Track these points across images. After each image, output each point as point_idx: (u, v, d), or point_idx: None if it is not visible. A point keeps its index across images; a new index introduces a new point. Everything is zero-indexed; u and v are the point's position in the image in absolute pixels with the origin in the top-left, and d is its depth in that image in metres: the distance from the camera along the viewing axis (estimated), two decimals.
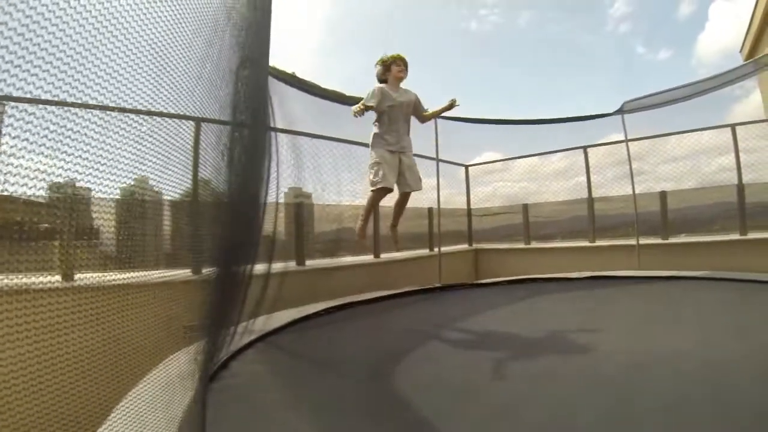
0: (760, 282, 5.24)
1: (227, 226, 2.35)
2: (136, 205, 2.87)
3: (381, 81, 4.60)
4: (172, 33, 1.87)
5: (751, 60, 9.06)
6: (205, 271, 2.49)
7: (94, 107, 1.80)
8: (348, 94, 6.37)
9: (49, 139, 1.63)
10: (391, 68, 4.51)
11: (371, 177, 4.43)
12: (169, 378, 2.46)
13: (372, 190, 4.46)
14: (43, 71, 1.39)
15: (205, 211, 2.85)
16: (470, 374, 2.83)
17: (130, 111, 2.05)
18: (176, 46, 1.91)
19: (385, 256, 7.31)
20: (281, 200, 5.64)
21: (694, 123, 7.85)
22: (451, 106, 4.87)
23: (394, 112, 4.48)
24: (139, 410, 2.05)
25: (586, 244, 8.57)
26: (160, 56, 1.87)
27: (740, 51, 11.39)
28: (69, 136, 1.72)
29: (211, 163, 2.34)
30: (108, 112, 1.90)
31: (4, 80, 1.26)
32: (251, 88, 2.53)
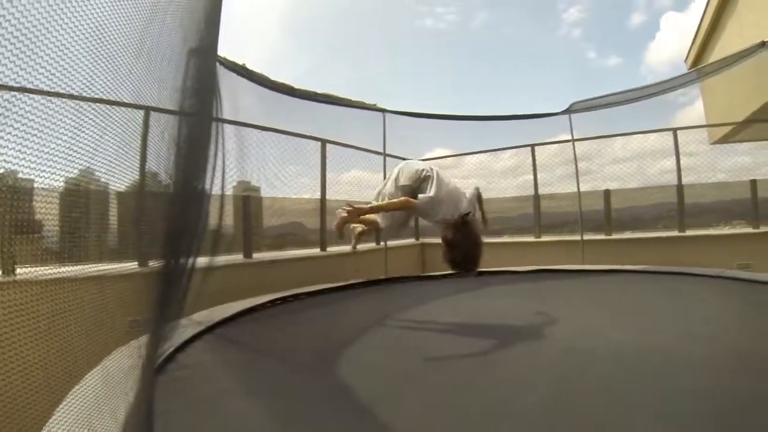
0: (695, 275, 5.56)
1: (170, 217, 2.34)
2: (73, 195, 2.82)
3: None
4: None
5: (694, 69, 9.53)
6: (150, 263, 2.48)
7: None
8: (297, 87, 6.41)
9: None
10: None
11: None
12: (113, 374, 2.44)
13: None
14: None
15: (146, 200, 2.83)
16: (414, 361, 2.92)
17: (65, 96, 2.00)
18: (115, 17, 1.87)
19: (331, 249, 7.36)
20: (228, 192, 5.62)
21: (642, 127, 8.32)
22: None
23: None
24: (82, 409, 2.03)
25: (532, 239, 8.84)
26: (99, 27, 1.83)
27: (685, 60, 11.88)
28: None
29: (152, 149, 2.32)
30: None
31: None
32: (197, 74, 2.52)
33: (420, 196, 3.73)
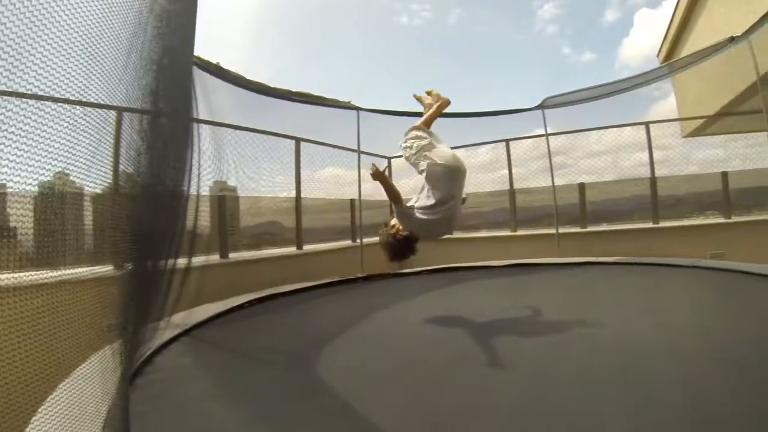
0: (669, 265, 5.67)
1: (146, 219, 2.32)
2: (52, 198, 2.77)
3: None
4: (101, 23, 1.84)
5: (665, 63, 9.68)
6: (126, 266, 2.45)
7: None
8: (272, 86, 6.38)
9: None
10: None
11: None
12: (90, 378, 2.41)
13: None
14: None
15: (123, 204, 2.79)
16: (390, 359, 2.94)
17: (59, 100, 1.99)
18: (106, 36, 1.89)
19: (308, 247, 7.36)
20: (205, 193, 5.56)
21: (617, 121, 8.50)
22: None
23: None
24: (60, 414, 2.00)
25: (508, 233, 8.91)
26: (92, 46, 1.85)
27: (657, 56, 12.05)
28: None
29: (131, 152, 2.29)
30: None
31: None
32: (173, 77, 2.50)
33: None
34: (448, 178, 3.66)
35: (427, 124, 4.01)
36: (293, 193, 7.36)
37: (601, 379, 2.32)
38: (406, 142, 3.88)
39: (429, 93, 4.23)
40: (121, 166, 2.35)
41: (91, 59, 1.88)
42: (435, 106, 4.10)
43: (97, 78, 1.96)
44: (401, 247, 3.82)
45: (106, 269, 2.97)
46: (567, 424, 1.86)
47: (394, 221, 3.89)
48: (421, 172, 3.73)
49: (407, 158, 3.86)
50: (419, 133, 3.84)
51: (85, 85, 1.93)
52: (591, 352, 2.77)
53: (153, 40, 2.21)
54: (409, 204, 3.76)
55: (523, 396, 2.22)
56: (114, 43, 1.95)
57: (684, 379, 2.25)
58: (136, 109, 2.26)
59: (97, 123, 2.24)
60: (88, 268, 3.04)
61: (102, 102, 2.04)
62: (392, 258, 3.95)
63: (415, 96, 4.35)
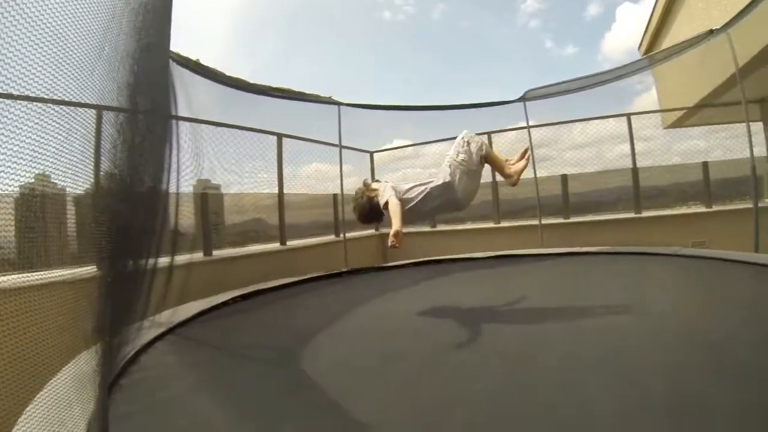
0: (651, 254, 5.76)
1: (127, 219, 2.30)
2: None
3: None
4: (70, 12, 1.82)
5: (646, 56, 9.76)
6: (105, 266, 2.42)
7: None
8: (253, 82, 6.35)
9: None
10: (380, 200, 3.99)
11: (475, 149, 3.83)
12: (75, 379, 2.39)
13: None
14: None
15: (102, 203, 2.76)
16: (376, 353, 2.94)
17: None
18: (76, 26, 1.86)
19: (291, 243, 7.37)
20: (188, 191, 5.54)
21: (599, 114, 8.60)
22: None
23: None
24: (45, 415, 1.99)
25: (491, 225, 8.96)
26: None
27: (638, 49, 12.14)
28: None
29: (107, 147, 2.26)
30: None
31: None
32: (151, 72, 2.47)
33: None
34: (448, 201, 3.80)
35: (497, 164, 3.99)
36: (276, 189, 7.35)
37: (585, 367, 2.35)
38: (469, 145, 3.79)
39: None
40: (97, 162, 2.30)
41: (59, 50, 1.85)
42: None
43: (68, 69, 1.93)
44: (369, 213, 4.02)
45: (83, 270, 2.95)
46: (550, 412, 1.88)
47: (376, 185, 4.00)
48: (450, 173, 3.75)
49: (458, 154, 3.78)
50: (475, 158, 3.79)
51: (54, 76, 1.91)
52: (574, 340, 2.81)
53: (128, 34, 2.18)
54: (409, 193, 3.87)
55: (507, 385, 2.25)
56: (85, 35, 1.92)
57: (666, 364, 2.28)
58: (108, 107, 2.24)
59: (68, 117, 2.20)
60: (61, 271, 3.01)
61: (73, 94, 2.00)
62: (360, 220, 4.18)
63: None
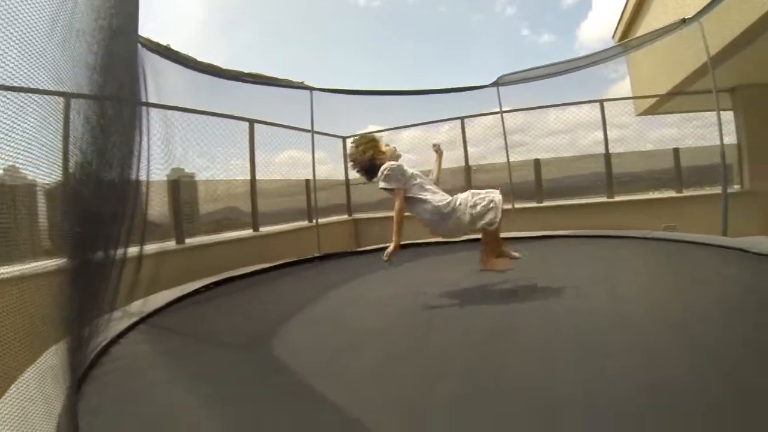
0: (623, 237, 5.90)
1: (91, 209, 2.24)
2: None
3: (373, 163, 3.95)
4: None
5: (619, 43, 9.85)
6: (70, 258, 2.36)
7: None
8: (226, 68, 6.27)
9: None
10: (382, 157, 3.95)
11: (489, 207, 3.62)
12: (45, 373, 2.34)
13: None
14: None
15: (66, 193, 2.69)
16: (347, 336, 2.99)
17: None
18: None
19: (264, 229, 7.36)
20: (160, 179, 5.46)
21: (574, 101, 8.72)
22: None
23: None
24: (14, 412, 1.94)
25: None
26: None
27: (613, 37, 12.21)
28: None
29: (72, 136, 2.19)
30: None
31: None
32: (117, 56, 2.41)
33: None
34: (433, 223, 3.79)
35: None
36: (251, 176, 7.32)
37: (554, 350, 2.39)
38: (489, 210, 3.62)
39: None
40: (60, 146, 2.22)
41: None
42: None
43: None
44: (366, 169, 3.97)
45: (45, 263, 2.88)
46: (522, 390, 1.91)
47: (385, 149, 3.99)
48: (452, 209, 3.70)
49: (475, 205, 3.64)
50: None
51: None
52: (546, 321, 2.86)
53: (86, 12, 2.10)
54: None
55: (480, 365, 2.29)
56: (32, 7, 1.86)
57: (635, 346, 2.34)
58: (81, 94, 2.17)
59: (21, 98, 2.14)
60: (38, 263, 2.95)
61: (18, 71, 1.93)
62: (354, 168, 4.10)
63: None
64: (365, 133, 3.99)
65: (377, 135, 3.86)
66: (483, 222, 3.55)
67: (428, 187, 3.82)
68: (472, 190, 3.71)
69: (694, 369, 2.00)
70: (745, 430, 1.50)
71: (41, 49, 1.93)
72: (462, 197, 3.65)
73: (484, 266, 3.74)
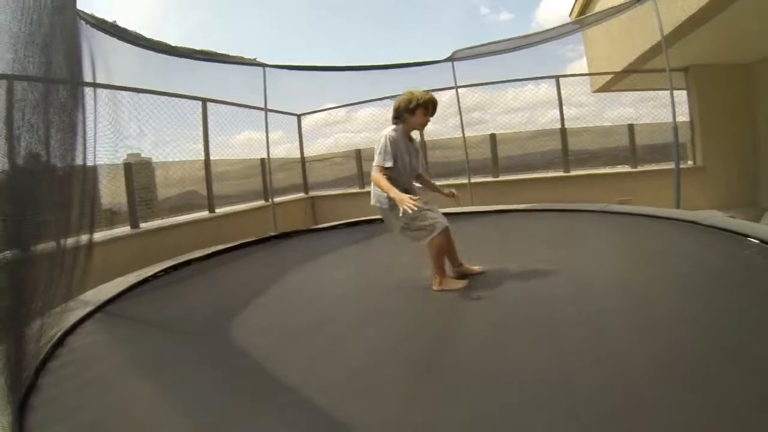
0: (579, 211, 5.99)
1: (31, 196, 2.13)
2: None
3: (397, 117, 3.71)
4: None
5: (575, 20, 9.92)
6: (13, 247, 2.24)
7: None
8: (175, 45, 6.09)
9: None
10: (417, 113, 3.66)
11: (425, 226, 3.33)
12: None
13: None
14: None
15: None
16: (302, 318, 2.98)
17: None
18: None
19: (220, 210, 7.32)
20: (113, 162, 5.31)
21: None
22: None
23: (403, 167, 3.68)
24: None
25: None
26: None
27: (569, 15, 12.27)
28: None
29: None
30: None
31: None
32: (53, 34, 2.28)
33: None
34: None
35: None
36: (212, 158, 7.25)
37: (505, 322, 2.49)
38: (426, 231, 3.33)
39: None
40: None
41: None
42: None
43: None
44: (412, 110, 3.62)
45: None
46: (475, 373, 1.94)
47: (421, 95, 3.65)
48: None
49: (412, 220, 3.30)
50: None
51: None
52: (497, 300, 2.90)
53: None
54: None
55: (431, 348, 2.32)
56: None
57: (586, 317, 2.42)
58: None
59: None
60: None
61: None
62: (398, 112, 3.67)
63: None
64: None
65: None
66: (409, 236, 3.37)
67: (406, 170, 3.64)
68: (431, 205, 3.60)
69: (648, 340, 2.08)
70: (686, 398, 1.55)
71: None
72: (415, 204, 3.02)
73: (438, 286, 3.26)
